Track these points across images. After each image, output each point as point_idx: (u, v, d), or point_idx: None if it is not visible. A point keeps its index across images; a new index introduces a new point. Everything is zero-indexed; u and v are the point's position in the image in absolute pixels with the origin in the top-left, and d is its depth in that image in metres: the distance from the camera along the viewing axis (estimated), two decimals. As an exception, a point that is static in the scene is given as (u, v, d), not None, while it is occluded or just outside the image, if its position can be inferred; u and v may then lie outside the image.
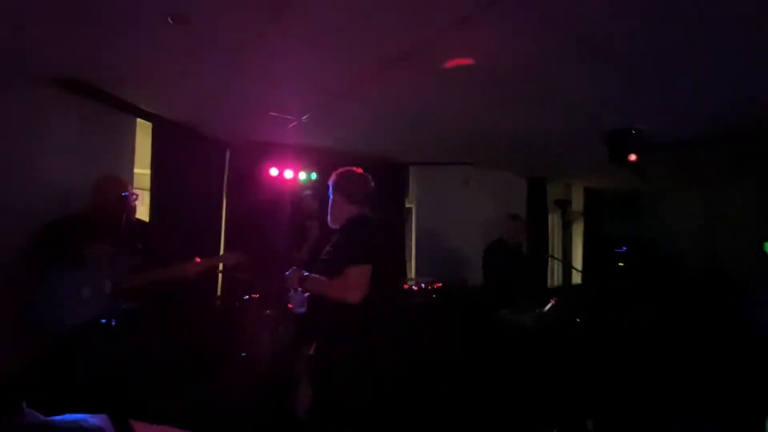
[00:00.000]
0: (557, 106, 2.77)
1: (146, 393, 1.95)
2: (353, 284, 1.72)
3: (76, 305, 1.93)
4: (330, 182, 1.96)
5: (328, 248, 1.91)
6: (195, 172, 3.51)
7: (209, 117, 3.29)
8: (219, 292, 3.92)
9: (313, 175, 4.27)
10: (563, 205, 4.97)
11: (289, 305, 2.04)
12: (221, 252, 3.93)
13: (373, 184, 1.97)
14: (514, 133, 3.41)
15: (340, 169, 1.97)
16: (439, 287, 4.25)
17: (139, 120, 3.07)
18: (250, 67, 2.28)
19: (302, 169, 4.20)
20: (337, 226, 1.93)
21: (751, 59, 2.04)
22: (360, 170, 1.98)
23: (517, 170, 5.16)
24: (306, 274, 1.89)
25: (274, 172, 4.07)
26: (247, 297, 3.47)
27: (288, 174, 4.11)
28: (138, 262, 2.12)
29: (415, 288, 4.21)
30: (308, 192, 3.62)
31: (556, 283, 5.53)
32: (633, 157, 2.97)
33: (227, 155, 4.11)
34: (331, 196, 1.95)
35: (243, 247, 2.41)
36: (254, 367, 3.02)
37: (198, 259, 2.25)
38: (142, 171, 3.31)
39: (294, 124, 3.28)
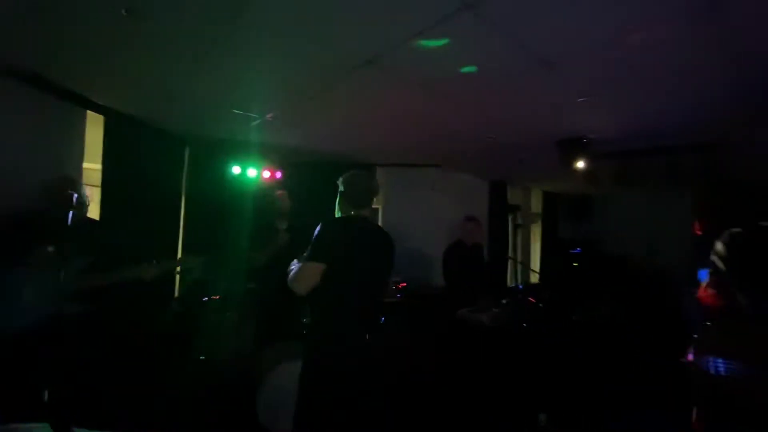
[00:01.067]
0: (515, 114, 2.90)
1: (94, 399, 1.87)
2: (296, 277, 1.84)
3: (18, 309, 1.83)
4: (338, 182, 2.09)
5: None
6: (151, 169, 3.37)
7: (167, 112, 3.17)
8: (176, 294, 3.79)
9: (277, 174, 4.23)
10: (514, 210, 5.20)
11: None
12: (179, 252, 3.81)
13: (377, 186, 2.11)
14: (476, 139, 3.54)
15: (350, 172, 2.11)
16: (403, 287, 4.33)
17: (90, 113, 2.93)
18: (212, 64, 2.23)
19: (266, 168, 4.14)
20: None
21: (683, 83, 2.25)
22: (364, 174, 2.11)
23: (480, 173, 5.33)
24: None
25: (236, 170, 3.99)
26: (206, 298, 3.38)
27: (251, 172, 4.04)
28: (89, 263, 2.03)
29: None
30: (282, 191, 3.57)
31: (514, 283, 5.75)
32: (582, 164, 3.17)
33: (186, 152, 3.98)
34: (338, 196, 2.08)
35: (203, 246, 2.36)
36: (213, 370, 2.96)
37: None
38: (92, 166, 3.15)
39: (258, 122, 3.24)
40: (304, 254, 1.86)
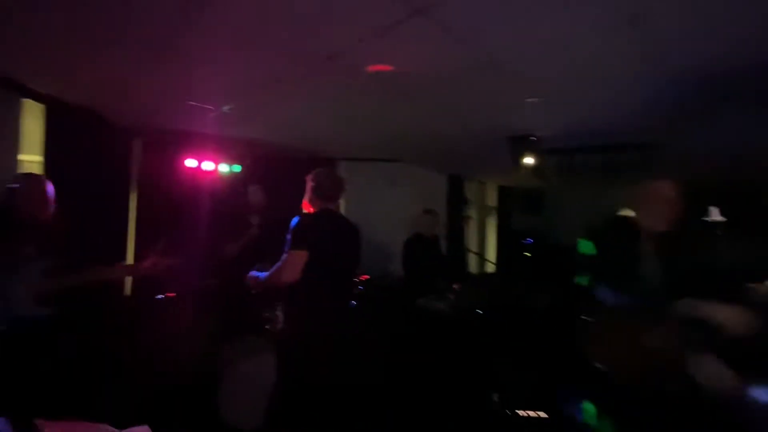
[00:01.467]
0: (468, 112, 3.05)
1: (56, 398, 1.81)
2: (283, 267, 1.93)
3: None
4: (308, 178, 2.21)
5: None
6: (96, 163, 3.20)
7: (115, 102, 3.02)
8: (129, 292, 3.64)
9: (237, 168, 4.14)
10: (464, 202, 5.46)
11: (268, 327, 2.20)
12: (128, 248, 3.66)
13: (344, 182, 2.29)
14: (433, 135, 3.66)
15: (319, 168, 2.25)
16: (365, 279, 4.41)
17: (28, 101, 2.74)
18: (166, 54, 2.16)
19: (224, 161, 4.05)
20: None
21: (617, 87, 2.48)
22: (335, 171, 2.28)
23: (438, 168, 5.51)
24: (255, 275, 2.11)
25: (191, 163, 3.87)
26: (161, 296, 3.29)
27: (207, 166, 3.93)
28: (52, 264, 1.95)
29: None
30: (255, 186, 3.52)
31: (472, 273, 6.01)
32: (530, 160, 3.39)
33: (136, 145, 3.80)
34: (307, 191, 2.21)
35: (156, 243, 2.31)
36: (172, 367, 2.89)
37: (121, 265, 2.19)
38: (31, 158, 2.95)
39: (214, 114, 3.16)
40: (286, 247, 1.97)
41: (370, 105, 2.96)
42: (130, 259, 3.63)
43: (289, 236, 2.00)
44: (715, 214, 6.07)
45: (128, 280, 3.64)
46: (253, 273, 2.15)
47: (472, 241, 6.46)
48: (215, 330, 3.01)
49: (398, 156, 4.91)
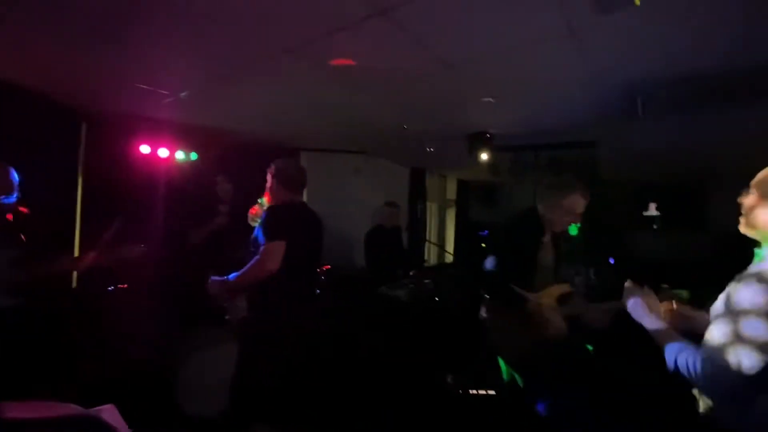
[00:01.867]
0: (425, 109, 3.16)
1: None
2: (266, 257, 1.96)
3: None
4: (271, 169, 2.22)
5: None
6: (36, 146, 3.00)
7: (60, 83, 2.85)
8: (74, 284, 3.47)
9: (193, 155, 4.03)
10: (421, 194, 5.63)
11: (228, 318, 2.17)
12: (76, 238, 3.48)
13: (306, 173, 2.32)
14: (395, 129, 3.76)
15: (282, 159, 2.27)
16: (327, 269, 4.47)
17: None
18: (118, 34, 2.08)
19: (180, 149, 3.92)
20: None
21: (560, 90, 2.69)
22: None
23: (401, 161, 5.63)
24: (220, 279, 2.08)
25: (145, 150, 3.72)
26: (112, 288, 3.17)
27: (162, 153, 3.80)
28: (20, 254, 1.86)
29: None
30: (223, 176, 3.45)
31: (432, 263, 6.23)
32: (485, 155, 3.58)
33: (83, 129, 3.59)
34: (269, 182, 2.21)
35: (104, 232, 2.25)
36: (124, 360, 2.82)
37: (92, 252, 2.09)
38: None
39: (170, 99, 3.06)
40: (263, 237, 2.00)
41: (332, 98, 2.99)
42: (76, 249, 3.45)
43: (265, 227, 2.02)
44: (652, 209, 6.66)
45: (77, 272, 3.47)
46: (216, 278, 2.10)
47: (432, 233, 6.67)
48: (170, 321, 2.96)
49: (361, 148, 4.97)
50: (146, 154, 3.71)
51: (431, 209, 6.77)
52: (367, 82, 2.65)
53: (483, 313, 2.09)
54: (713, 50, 2.06)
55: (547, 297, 1.84)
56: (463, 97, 2.90)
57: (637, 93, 2.63)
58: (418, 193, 5.92)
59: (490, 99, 2.85)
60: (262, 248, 1.99)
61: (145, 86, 2.81)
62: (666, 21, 1.80)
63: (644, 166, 5.16)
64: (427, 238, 6.14)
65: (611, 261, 3.60)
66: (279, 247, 1.96)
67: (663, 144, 4.08)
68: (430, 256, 6.36)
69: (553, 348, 1.79)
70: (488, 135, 3.55)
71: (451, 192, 7.33)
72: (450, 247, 6.91)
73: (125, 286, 3.21)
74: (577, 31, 1.91)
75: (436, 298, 3.74)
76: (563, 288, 1.88)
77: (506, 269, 1.91)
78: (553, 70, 2.40)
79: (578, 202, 2.00)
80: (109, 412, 1.10)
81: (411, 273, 3.61)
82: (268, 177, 2.25)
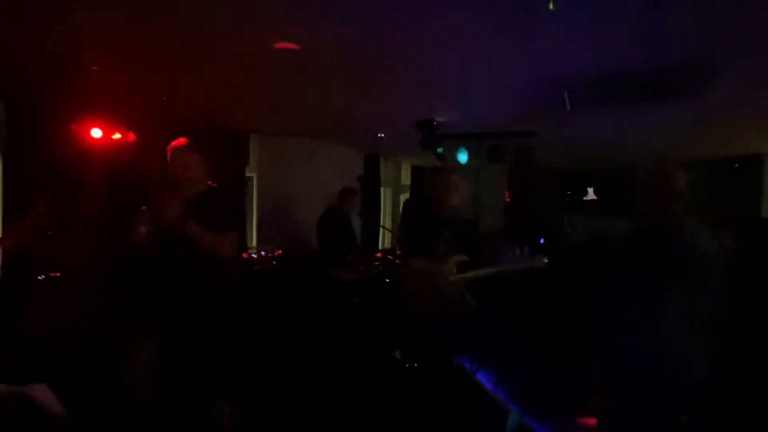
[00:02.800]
0: (377, 95, 3.24)
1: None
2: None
3: None
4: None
5: None
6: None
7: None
8: None
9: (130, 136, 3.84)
10: (362, 180, 5.77)
11: None
12: None
13: None
14: (346, 114, 3.81)
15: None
16: (279, 254, 4.49)
17: None
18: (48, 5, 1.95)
19: (119, 129, 3.72)
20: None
21: (505, 83, 2.87)
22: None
23: (355, 146, 5.68)
24: None
25: (78, 130, 3.49)
26: (42, 276, 3.02)
27: (96, 133, 3.57)
28: None
29: (255, 256, 4.35)
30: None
31: (386, 246, 6.40)
32: (433, 143, 3.75)
33: (2, 105, 3.31)
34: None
35: (31, 216, 2.15)
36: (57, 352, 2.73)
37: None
38: None
39: (103, 76, 2.89)
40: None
41: (278, 82, 2.99)
42: None
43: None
44: (591, 194, 7.23)
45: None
46: None
47: (386, 218, 6.83)
48: (102, 310, 2.88)
49: (317, 133, 4.96)
50: (81, 134, 3.49)
51: (386, 194, 6.91)
52: (316, 68, 2.67)
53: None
54: (635, 51, 2.29)
55: (448, 265, 2.10)
56: (411, 88, 3.00)
57: (566, 88, 2.86)
58: (372, 178, 6.02)
59: (439, 90, 2.99)
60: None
61: (77, 63, 2.65)
62: (590, 25, 1.99)
63: (580, 155, 5.58)
64: (382, 223, 6.29)
65: (542, 241, 3.93)
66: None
67: (596, 134, 4.46)
68: (385, 240, 6.53)
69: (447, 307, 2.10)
70: (435, 123, 3.71)
71: (406, 177, 7.51)
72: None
73: (56, 275, 3.06)
74: (505, 33, 2.07)
75: (387, 280, 3.91)
76: (462, 258, 2.15)
77: (414, 244, 2.15)
78: (487, 67, 2.56)
79: (457, 190, 2.24)
80: (40, 391, 1.11)
81: (348, 258, 3.73)
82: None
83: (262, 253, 4.38)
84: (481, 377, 3.22)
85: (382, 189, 6.43)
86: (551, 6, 1.63)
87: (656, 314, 1.61)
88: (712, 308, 1.57)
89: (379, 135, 4.37)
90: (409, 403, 2.78)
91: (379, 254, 4.35)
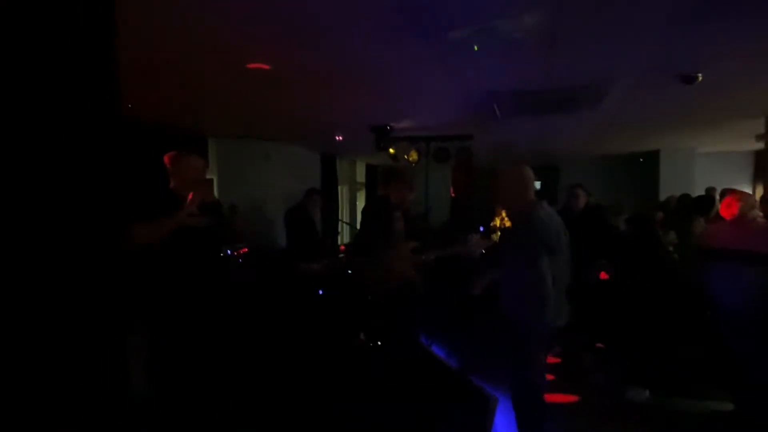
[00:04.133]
0: (336, 104, 3.63)
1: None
2: None
3: None
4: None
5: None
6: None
7: None
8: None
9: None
10: (332, 178, 6.03)
11: None
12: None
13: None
14: (307, 120, 4.14)
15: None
16: (245, 252, 4.71)
17: None
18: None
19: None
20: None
21: (446, 94, 3.37)
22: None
23: (312, 147, 5.99)
24: None
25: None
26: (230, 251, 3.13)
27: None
28: None
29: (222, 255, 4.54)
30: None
31: (344, 241, 6.79)
32: (387, 145, 4.21)
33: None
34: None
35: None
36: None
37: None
38: None
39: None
40: None
41: (247, 93, 3.25)
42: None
43: None
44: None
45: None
46: None
47: (344, 213, 7.21)
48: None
49: (272, 135, 5.20)
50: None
51: (342, 192, 7.28)
52: (282, 81, 2.98)
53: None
54: (547, 73, 2.89)
55: (401, 250, 2.62)
56: (367, 98, 3.43)
57: (495, 100, 3.44)
58: (329, 177, 6.37)
59: (389, 99, 3.44)
60: None
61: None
62: (510, 55, 2.53)
63: (511, 154, 6.35)
64: (340, 218, 6.65)
65: (481, 229, 4.57)
66: None
67: (522, 137, 5.18)
68: (343, 234, 6.91)
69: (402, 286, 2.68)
70: (389, 128, 4.16)
71: (361, 175, 7.93)
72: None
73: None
74: (448, 57, 2.56)
75: (349, 271, 4.31)
76: (412, 244, 2.70)
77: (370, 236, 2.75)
78: (433, 81, 3.06)
79: (403, 190, 2.81)
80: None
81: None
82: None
83: (228, 252, 4.58)
84: (436, 349, 3.70)
85: (339, 187, 6.80)
86: (476, 48, 2.13)
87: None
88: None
89: (337, 137, 4.75)
90: (375, 376, 3.16)
91: (342, 247, 4.74)
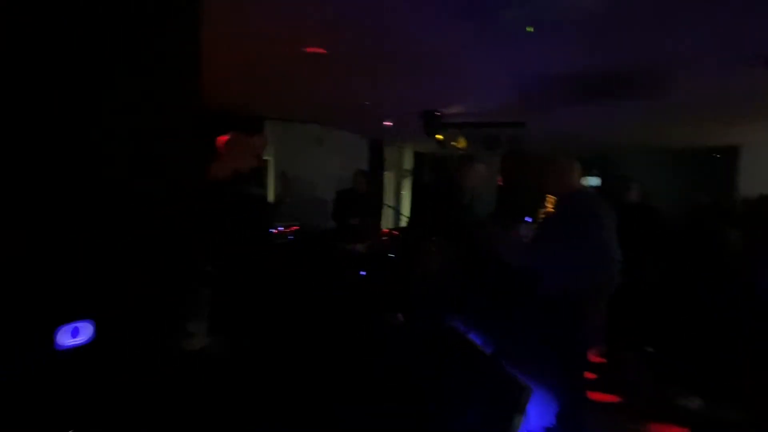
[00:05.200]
0: (386, 89, 3.69)
1: None
2: None
3: None
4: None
5: None
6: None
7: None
8: None
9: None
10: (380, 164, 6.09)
11: None
12: None
13: None
14: (357, 105, 4.25)
15: None
16: (295, 230, 4.99)
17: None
18: None
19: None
20: None
21: (497, 80, 3.31)
22: None
23: (361, 132, 6.13)
24: None
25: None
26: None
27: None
28: None
29: (275, 231, 4.85)
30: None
31: (389, 225, 6.92)
32: (437, 131, 4.22)
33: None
34: None
35: None
36: None
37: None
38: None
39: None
40: None
41: (302, 77, 3.41)
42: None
43: None
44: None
45: None
46: None
47: (389, 199, 7.33)
48: None
49: (325, 119, 5.40)
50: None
51: (389, 178, 7.39)
52: (336, 66, 3.10)
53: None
54: (604, 56, 2.76)
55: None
56: (417, 83, 3.46)
57: (549, 85, 3.33)
58: (376, 163, 6.49)
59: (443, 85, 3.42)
60: None
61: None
62: (568, 35, 2.44)
63: (566, 144, 6.06)
64: (385, 202, 6.79)
65: (528, 219, 4.45)
66: None
67: (579, 125, 4.93)
68: (388, 219, 7.04)
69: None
70: (438, 114, 4.17)
71: (408, 162, 7.97)
72: (406, 211, 7.64)
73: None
74: (501, 39, 2.52)
75: (391, 255, 4.43)
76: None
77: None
78: (485, 66, 3.02)
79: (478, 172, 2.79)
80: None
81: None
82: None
83: (280, 228, 4.87)
84: (473, 337, 3.70)
85: (385, 173, 6.91)
86: (530, 29, 2.09)
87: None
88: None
89: (385, 123, 4.82)
90: (408, 358, 3.21)
91: (385, 230, 4.86)
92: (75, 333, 0.94)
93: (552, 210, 2.20)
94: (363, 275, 4.26)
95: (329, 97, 4.12)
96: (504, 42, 2.57)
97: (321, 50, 2.73)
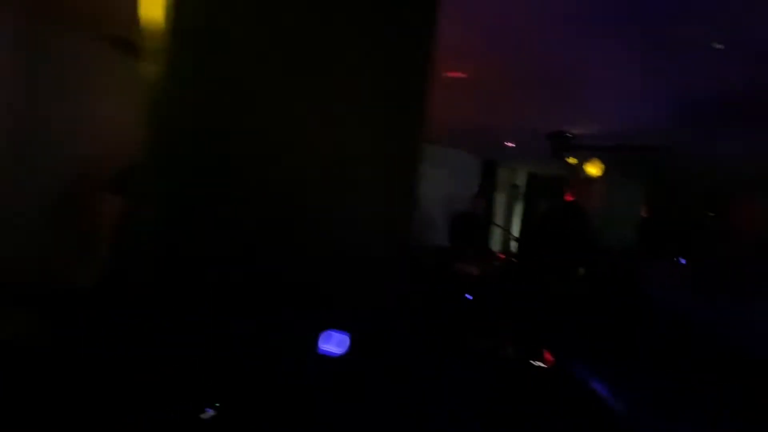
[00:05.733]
0: (512, 109, 3.65)
1: None
2: None
3: None
4: None
5: None
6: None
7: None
8: None
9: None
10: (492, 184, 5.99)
11: None
12: None
13: None
14: (476, 123, 4.27)
15: None
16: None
17: None
18: None
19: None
20: None
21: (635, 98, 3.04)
22: None
23: (475, 152, 6.12)
24: None
25: None
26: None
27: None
28: None
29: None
30: None
31: (497, 247, 6.72)
32: (566, 154, 4.01)
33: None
34: None
35: None
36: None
37: None
38: None
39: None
40: None
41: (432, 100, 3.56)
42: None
43: None
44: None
45: None
46: None
47: (499, 219, 7.16)
48: None
49: (437, 139, 5.52)
50: None
51: (500, 199, 7.21)
52: (463, 88, 3.14)
53: None
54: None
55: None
56: (545, 102, 3.37)
57: (697, 108, 2.93)
58: (489, 183, 6.40)
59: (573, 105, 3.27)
60: None
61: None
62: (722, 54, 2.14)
63: (725, 172, 5.19)
64: (496, 223, 6.63)
65: (682, 261, 3.86)
66: None
67: (741, 152, 4.19)
68: (496, 241, 6.85)
69: None
70: (569, 135, 3.97)
71: (521, 183, 7.70)
72: (516, 233, 7.36)
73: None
74: (644, 58, 2.33)
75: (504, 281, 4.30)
76: None
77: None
78: (621, 85, 2.81)
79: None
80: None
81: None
82: None
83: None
84: (596, 385, 3.21)
85: (496, 194, 6.77)
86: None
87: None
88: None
89: (507, 144, 4.75)
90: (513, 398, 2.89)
91: (501, 255, 4.74)
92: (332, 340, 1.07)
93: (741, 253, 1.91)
94: (469, 299, 4.20)
95: (449, 116, 4.20)
96: (649, 62, 2.36)
97: (462, 74, 2.83)
